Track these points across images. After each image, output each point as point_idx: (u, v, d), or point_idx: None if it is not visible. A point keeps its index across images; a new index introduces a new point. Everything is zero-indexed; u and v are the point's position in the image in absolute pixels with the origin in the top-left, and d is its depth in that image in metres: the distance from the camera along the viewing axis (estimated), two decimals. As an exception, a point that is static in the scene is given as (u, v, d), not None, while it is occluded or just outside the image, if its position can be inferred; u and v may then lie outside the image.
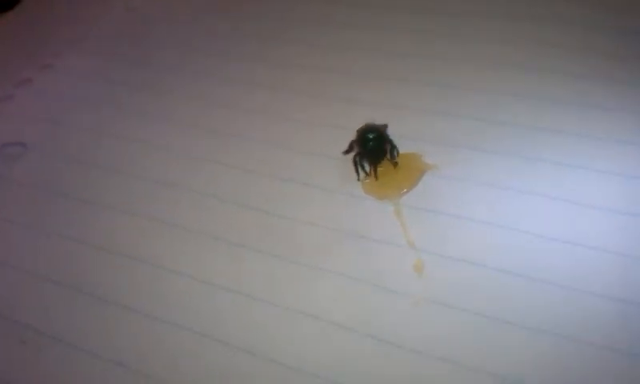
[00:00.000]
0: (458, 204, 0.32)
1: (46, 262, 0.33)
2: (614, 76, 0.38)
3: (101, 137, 0.41)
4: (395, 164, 0.34)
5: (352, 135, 0.36)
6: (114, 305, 0.31)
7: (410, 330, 0.28)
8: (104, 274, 0.32)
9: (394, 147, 0.34)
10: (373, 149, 0.34)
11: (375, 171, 0.34)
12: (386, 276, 0.30)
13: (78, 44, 0.50)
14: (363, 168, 0.34)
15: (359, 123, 0.36)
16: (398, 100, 0.39)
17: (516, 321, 0.27)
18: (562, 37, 0.41)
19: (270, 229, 0.33)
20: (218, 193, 0.35)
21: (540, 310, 0.28)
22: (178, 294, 0.31)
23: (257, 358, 0.28)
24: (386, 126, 0.35)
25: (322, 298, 0.30)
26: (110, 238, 0.34)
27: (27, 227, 0.35)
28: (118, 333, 0.30)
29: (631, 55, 0.39)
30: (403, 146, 0.35)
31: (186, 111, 0.42)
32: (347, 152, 0.35)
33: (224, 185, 0.36)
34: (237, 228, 0.33)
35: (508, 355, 0.27)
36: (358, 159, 0.34)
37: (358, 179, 0.34)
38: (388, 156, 0.34)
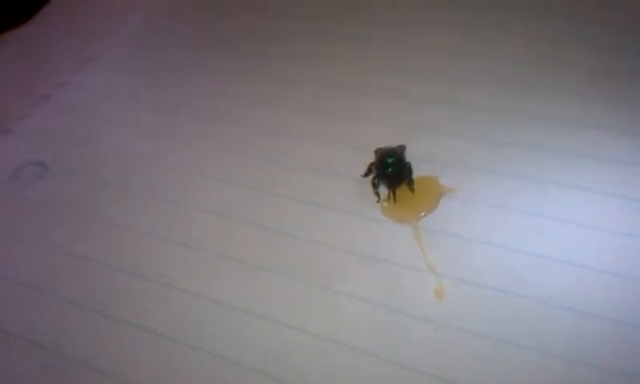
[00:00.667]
0: (477, 227, 0.33)
1: (70, 284, 0.33)
2: (628, 98, 0.38)
3: (119, 154, 0.41)
4: (412, 189, 0.34)
5: (370, 156, 0.36)
6: (137, 328, 0.31)
7: (431, 355, 0.28)
8: (127, 296, 0.32)
9: (411, 172, 0.35)
10: (391, 175, 0.34)
11: (394, 195, 0.34)
12: (407, 300, 0.30)
13: (93, 61, 0.50)
14: (382, 188, 0.34)
15: (376, 143, 0.36)
16: (415, 121, 0.39)
17: (536, 346, 0.28)
18: (576, 58, 0.42)
19: (287, 251, 0.33)
20: (232, 212, 0.36)
21: (559, 335, 0.28)
22: (194, 315, 0.31)
23: (270, 378, 0.28)
24: (403, 148, 0.36)
25: (340, 322, 0.30)
26: (132, 259, 0.34)
27: (51, 248, 0.36)
28: (142, 356, 0.30)
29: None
30: (420, 168, 0.35)
31: (200, 129, 0.42)
32: (366, 175, 0.36)
33: (239, 204, 0.36)
34: (252, 248, 0.34)
35: (529, 380, 0.27)
36: (377, 181, 0.35)
37: (378, 201, 0.34)
38: (406, 180, 0.34)
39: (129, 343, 0.30)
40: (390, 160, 0.34)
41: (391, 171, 0.34)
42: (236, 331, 0.30)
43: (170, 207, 0.37)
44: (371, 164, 0.35)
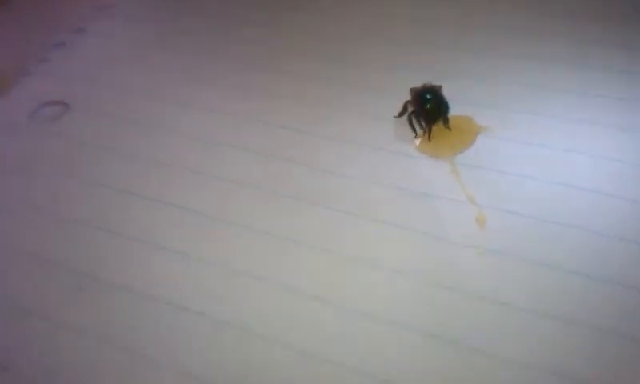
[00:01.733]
0: (511, 162, 0.33)
1: (98, 212, 0.33)
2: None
3: (134, 95, 0.41)
4: (449, 127, 0.35)
5: (403, 97, 0.36)
6: (168, 250, 0.31)
7: (475, 278, 0.28)
8: (152, 221, 0.32)
9: (448, 108, 0.35)
10: (430, 109, 0.34)
11: (430, 132, 0.34)
12: (449, 229, 0.30)
13: (108, 9, 0.50)
14: (420, 124, 0.34)
15: (409, 86, 0.36)
16: (449, 65, 0.40)
17: (572, 268, 0.28)
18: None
19: (329, 187, 0.33)
20: (269, 151, 0.36)
21: (593, 258, 0.29)
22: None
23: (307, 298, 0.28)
24: (440, 88, 0.36)
25: (387, 250, 0.30)
26: (153, 187, 0.34)
27: (77, 180, 0.35)
28: (174, 276, 0.30)
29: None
30: (454, 109, 0.35)
31: (214, 72, 0.42)
32: (401, 114, 0.35)
33: (283, 144, 0.36)
34: (293, 183, 0.34)
35: (568, 301, 0.27)
36: (413, 117, 0.35)
37: (416, 136, 0.34)
38: (442, 117, 0.34)
39: (150, 261, 0.30)
40: (428, 96, 0.34)
41: (430, 106, 0.34)
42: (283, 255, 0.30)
43: (192, 143, 0.37)
44: (407, 102, 0.35)
